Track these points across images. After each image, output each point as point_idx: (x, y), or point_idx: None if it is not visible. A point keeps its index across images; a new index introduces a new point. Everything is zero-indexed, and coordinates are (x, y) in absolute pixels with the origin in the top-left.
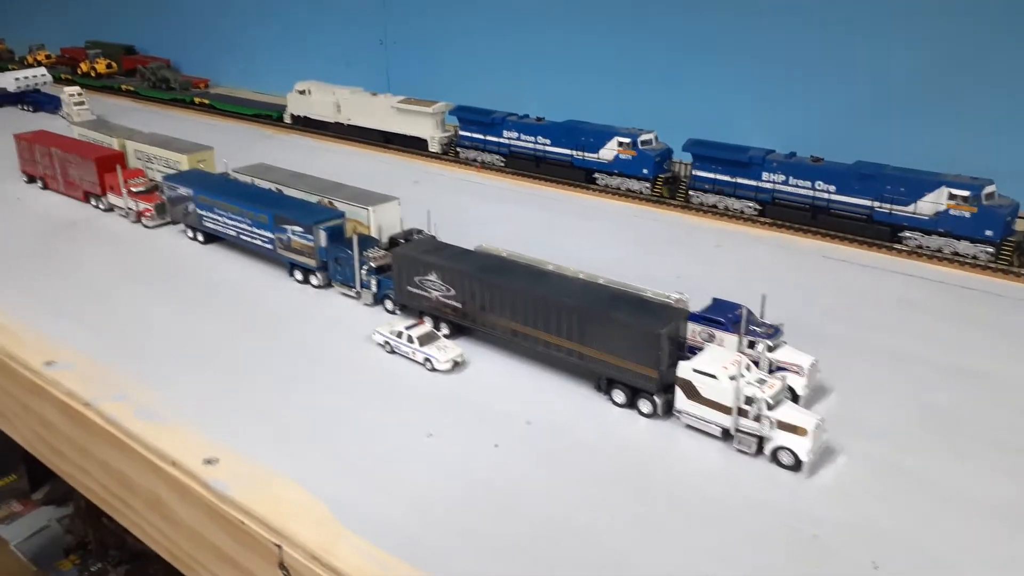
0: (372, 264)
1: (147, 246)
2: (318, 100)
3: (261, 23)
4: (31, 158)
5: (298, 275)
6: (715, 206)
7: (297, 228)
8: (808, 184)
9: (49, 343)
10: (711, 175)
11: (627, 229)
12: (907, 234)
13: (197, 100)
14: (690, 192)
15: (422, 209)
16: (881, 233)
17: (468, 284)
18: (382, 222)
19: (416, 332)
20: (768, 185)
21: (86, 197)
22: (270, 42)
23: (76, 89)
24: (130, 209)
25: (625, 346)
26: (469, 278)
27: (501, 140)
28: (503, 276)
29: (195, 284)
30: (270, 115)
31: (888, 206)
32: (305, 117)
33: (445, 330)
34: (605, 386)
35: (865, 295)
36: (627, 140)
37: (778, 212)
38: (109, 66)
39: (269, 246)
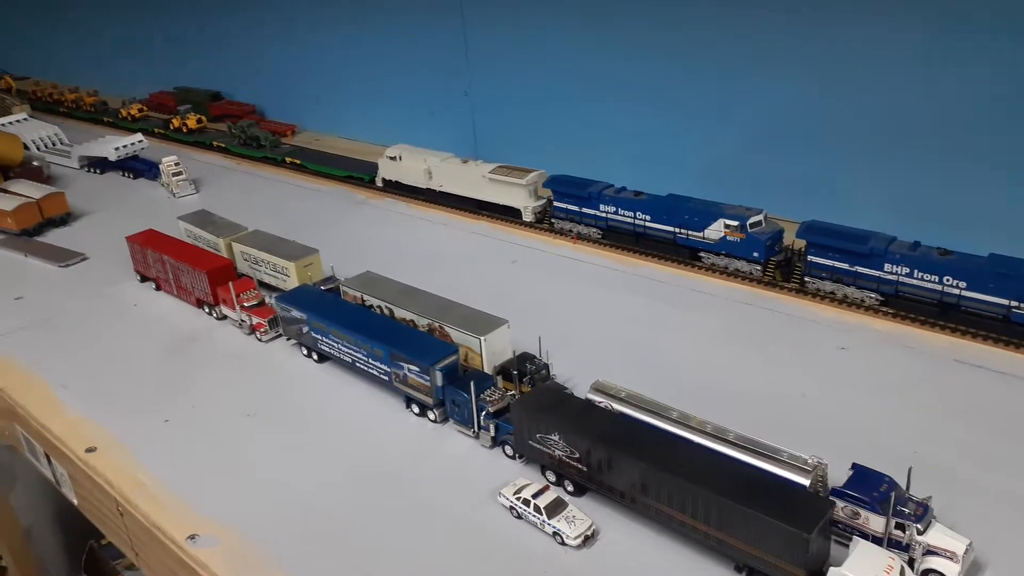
0: (490, 409)
1: (263, 364)
2: (409, 166)
3: (347, 66)
4: (143, 260)
5: (415, 408)
6: (833, 293)
7: (413, 367)
8: (935, 278)
9: (187, 506)
10: (828, 262)
11: (739, 322)
12: None
13: (288, 160)
14: (806, 279)
15: (527, 303)
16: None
17: (592, 452)
18: (494, 349)
19: (543, 502)
20: (891, 277)
21: (199, 304)
22: (354, 87)
23: (173, 159)
24: (243, 322)
25: (768, 541)
26: (593, 446)
27: (598, 213)
28: (629, 448)
29: (310, 414)
30: (362, 178)
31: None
32: (397, 182)
33: (570, 487)
34: (747, 573)
35: (1012, 416)
36: (734, 223)
37: (904, 305)
38: (199, 121)
39: (385, 378)
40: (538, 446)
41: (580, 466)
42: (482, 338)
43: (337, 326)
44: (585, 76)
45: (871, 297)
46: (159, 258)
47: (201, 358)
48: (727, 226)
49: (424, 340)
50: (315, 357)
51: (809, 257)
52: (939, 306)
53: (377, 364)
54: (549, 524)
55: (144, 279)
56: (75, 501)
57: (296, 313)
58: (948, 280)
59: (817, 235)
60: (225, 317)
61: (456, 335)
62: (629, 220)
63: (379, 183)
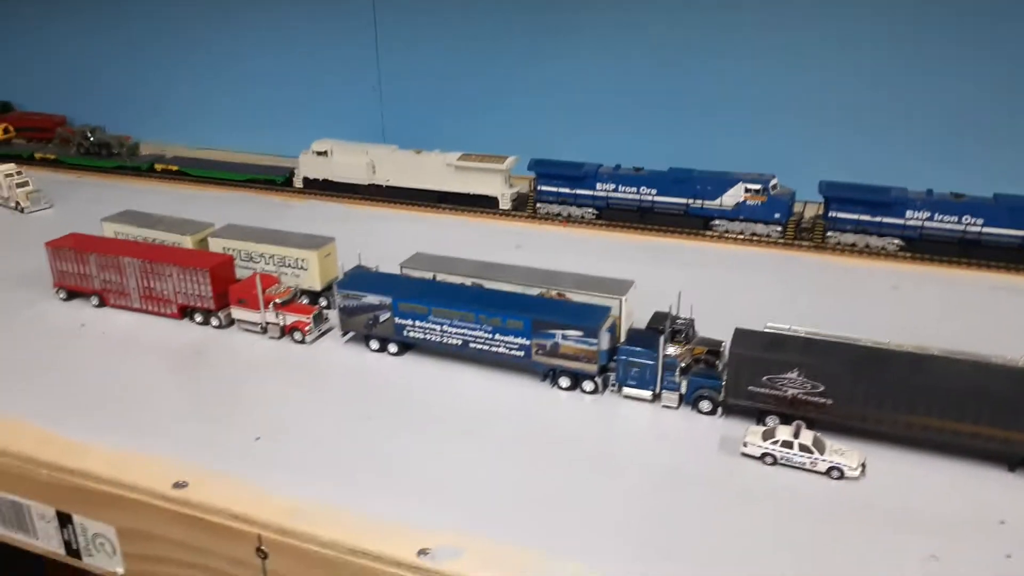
0: (682, 364)
1: (329, 366)
2: (343, 161)
3: (183, 69)
4: (77, 269)
5: (562, 381)
6: (854, 245)
7: (572, 332)
8: (955, 219)
9: (381, 523)
10: (851, 215)
11: (793, 278)
12: None
13: (160, 167)
14: (828, 234)
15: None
16: None
17: (843, 380)
18: (631, 309)
19: (808, 439)
20: (915, 223)
21: (182, 313)
22: (189, 92)
23: (12, 167)
24: (270, 324)
25: None
26: (844, 374)
27: (595, 193)
28: (886, 368)
29: (439, 407)
30: (271, 180)
31: None
32: (325, 180)
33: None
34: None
35: None
36: (757, 186)
37: (927, 247)
38: (6, 131)
39: (519, 353)
40: (764, 390)
41: (823, 400)
42: (622, 298)
43: (442, 305)
44: (510, 71)
45: (893, 244)
46: (113, 263)
47: (235, 371)
48: (748, 191)
49: (566, 306)
50: (392, 349)
51: (830, 213)
52: (961, 244)
53: (508, 339)
54: (823, 460)
55: (73, 294)
56: (119, 570)
57: (372, 299)
58: (968, 219)
59: (838, 191)
60: (232, 323)
61: (584, 300)
62: (633, 196)
63: (298, 183)
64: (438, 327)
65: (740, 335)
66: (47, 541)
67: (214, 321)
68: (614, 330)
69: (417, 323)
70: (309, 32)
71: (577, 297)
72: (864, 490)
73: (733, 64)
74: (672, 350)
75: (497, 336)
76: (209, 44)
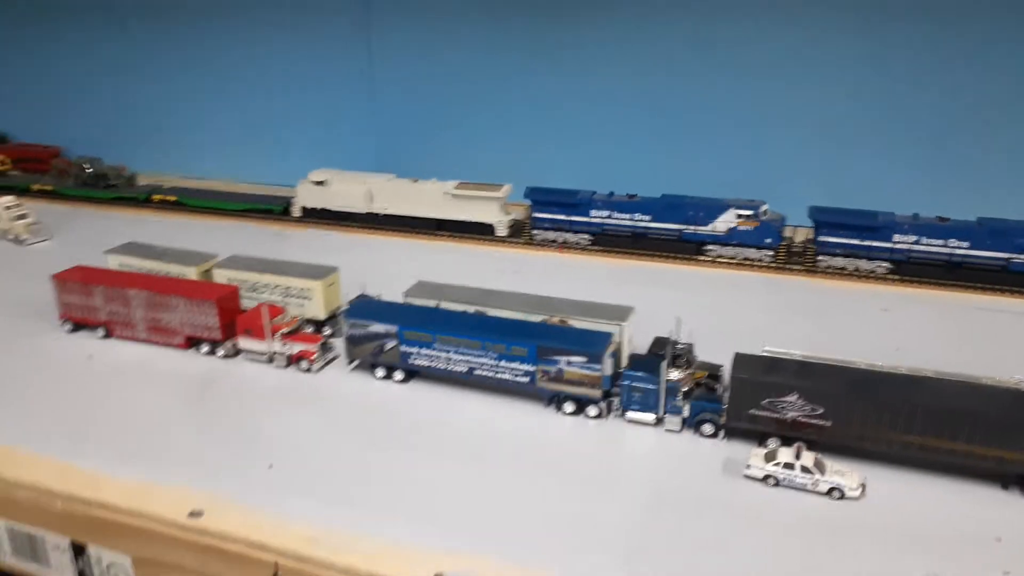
0: (683, 389)
1: (336, 395)
2: (341, 190)
3: (190, 100)
4: (83, 302)
5: (568, 407)
6: (844, 268)
7: (576, 358)
8: (941, 242)
9: (424, 548)
10: (840, 240)
11: (786, 301)
12: None
13: (157, 198)
14: (818, 258)
15: None
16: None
17: (841, 402)
18: (632, 335)
19: (808, 461)
20: (903, 246)
21: (189, 344)
22: (184, 122)
23: (10, 199)
24: (277, 353)
25: None
26: (843, 396)
27: (590, 220)
28: (883, 389)
29: (449, 435)
30: (269, 209)
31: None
32: (323, 209)
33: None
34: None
35: None
36: (748, 212)
37: (913, 270)
38: (3, 162)
39: (525, 379)
40: (764, 413)
41: (822, 422)
42: (623, 324)
43: (448, 332)
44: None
45: (882, 266)
46: (119, 295)
47: (244, 400)
48: (739, 216)
49: (570, 332)
50: (398, 376)
51: (820, 237)
52: (946, 266)
53: (514, 366)
54: (824, 481)
55: (79, 326)
56: None
57: (378, 327)
58: (953, 242)
59: (828, 216)
60: (239, 352)
61: (586, 327)
62: (627, 222)
63: (296, 212)
64: (443, 354)
65: (740, 360)
66: (61, 572)
67: (220, 351)
68: (617, 356)
69: (422, 350)
70: (303, 63)
71: (579, 323)
72: (864, 509)
73: (724, 91)
74: (674, 375)
75: (502, 363)
76: (204, 76)
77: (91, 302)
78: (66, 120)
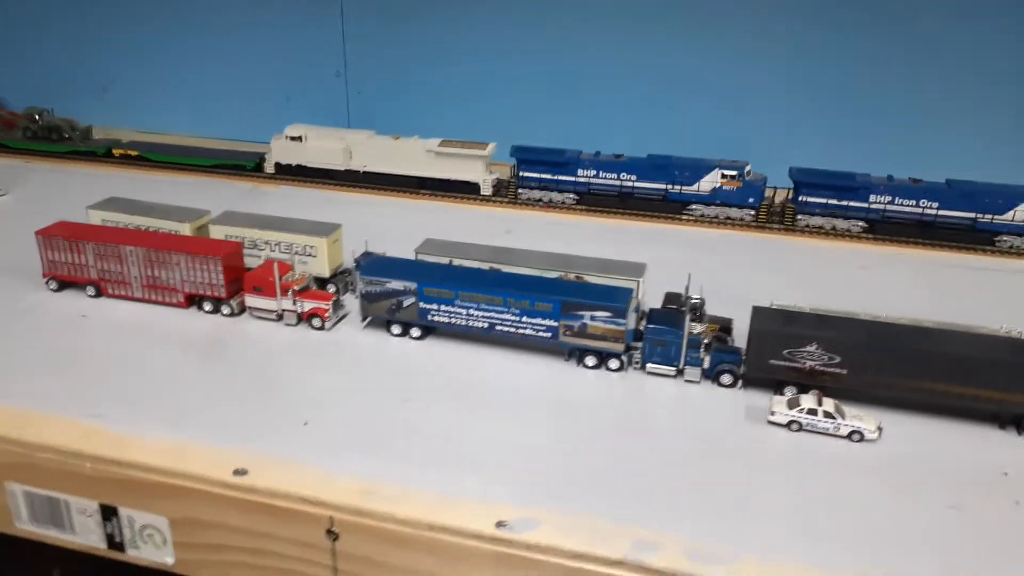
0: (705, 341)
1: (354, 351)
2: (318, 147)
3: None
4: (69, 260)
5: (589, 361)
6: (821, 227)
7: (602, 313)
8: (914, 203)
9: (479, 499)
10: (820, 200)
11: (767, 259)
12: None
13: (118, 152)
14: (798, 217)
15: None
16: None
17: (858, 351)
18: (646, 290)
19: (830, 406)
20: (878, 206)
21: (189, 301)
22: (138, 75)
23: None
24: (286, 311)
25: None
26: (860, 346)
27: (577, 179)
28: (897, 339)
29: (477, 389)
30: (241, 165)
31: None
32: (299, 166)
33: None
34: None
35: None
36: (732, 172)
37: (888, 229)
38: None
39: (547, 334)
40: (784, 363)
41: (839, 370)
42: (639, 279)
43: (469, 289)
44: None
45: (858, 226)
46: (113, 251)
47: (262, 358)
48: (724, 176)
49: (592, 288)
50: (415, 333)
51: (800, 197)
52: (918, 225)
53: (536, 321)
54: (845, 425)
55: (65, 285)
56: (169, 560)
57: (396, 284)
58: (924, 203)
59: (808, 177)
60: (244, 311)
61: (609, 281)
62: (613, 182)
63: (269, 168)
64: (464, 311)
65: (758, 312)
66: (85, 536)
67: (225, 309)
68: (638, 310)
69: (443, 307)
70: (270, 13)
71: (596, 279)
72: (883, 450)
73: (707, 52)
74: (696, 328)
75: (525, 318)
76: (160, 24)
77: (80, 259)
78: (5, 68)
